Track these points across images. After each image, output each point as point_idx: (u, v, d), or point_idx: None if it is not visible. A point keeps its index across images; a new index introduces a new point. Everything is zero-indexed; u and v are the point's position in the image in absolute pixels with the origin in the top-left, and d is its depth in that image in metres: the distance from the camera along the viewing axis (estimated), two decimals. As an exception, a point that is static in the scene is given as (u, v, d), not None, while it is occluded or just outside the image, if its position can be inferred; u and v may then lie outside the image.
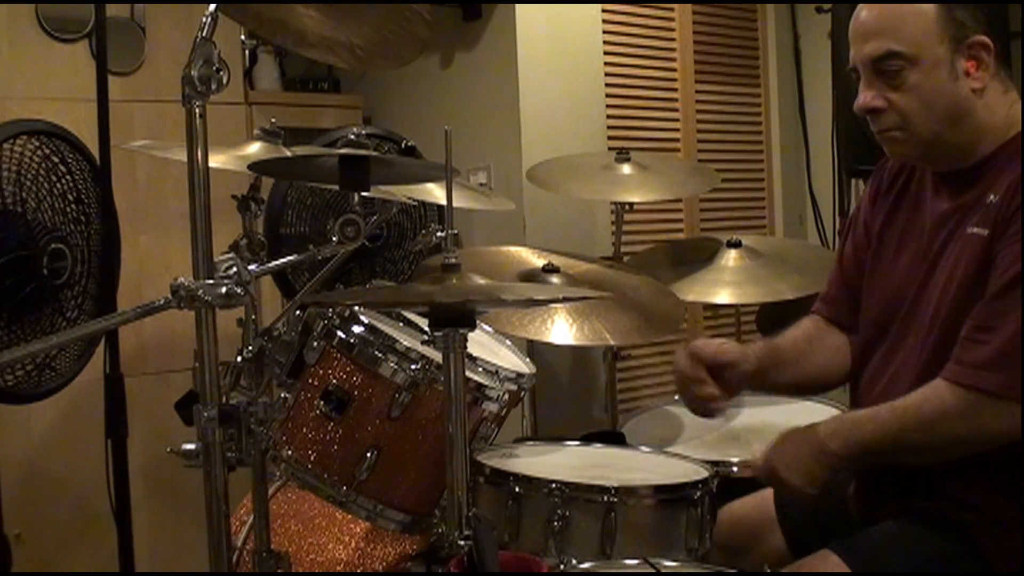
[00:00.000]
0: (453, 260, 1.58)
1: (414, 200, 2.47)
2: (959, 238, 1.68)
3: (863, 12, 1.70)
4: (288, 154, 2.15)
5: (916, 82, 1.64)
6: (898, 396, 1.71)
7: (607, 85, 3.43)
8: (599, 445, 2.32)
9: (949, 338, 1.64)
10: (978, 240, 1.62)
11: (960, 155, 1.70)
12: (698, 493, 1.93)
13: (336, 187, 2.04)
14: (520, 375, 2.13)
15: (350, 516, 2.11)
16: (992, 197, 1.63)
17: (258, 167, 1.95)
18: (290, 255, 1.97)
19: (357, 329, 1.95)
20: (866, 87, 1.69)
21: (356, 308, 1.97)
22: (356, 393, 1.93)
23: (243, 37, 3.24)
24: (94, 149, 2.25)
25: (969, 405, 1.57)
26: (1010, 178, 1.62)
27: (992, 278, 1.59)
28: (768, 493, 2.00)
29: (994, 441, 1.58)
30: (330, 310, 1.96)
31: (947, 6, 1.64)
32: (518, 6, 3.22)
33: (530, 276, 2.50)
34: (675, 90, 3.63)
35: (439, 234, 2.17)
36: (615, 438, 2.50)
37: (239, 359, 1.77)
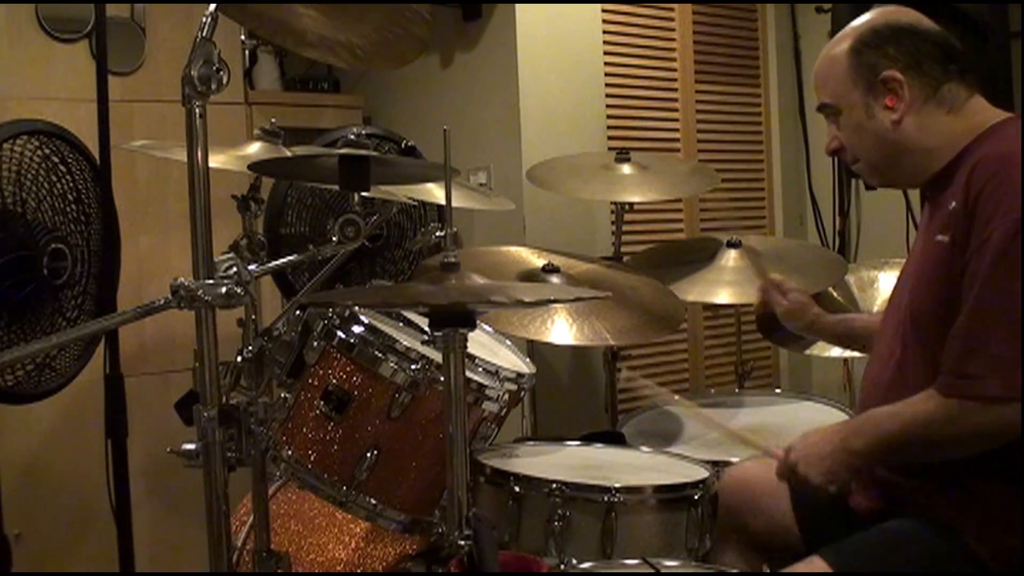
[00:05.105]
0: (452, 259, 1.58)
1: (414, 200, 2.47)
2: (928, 244, 1.76)
3: (814, 67, 1.90)
4: (288, 154, 2.15)
5: (845, 123, 1.83)
6: (876, 385, 1.78)
7: (607, 85, 3.43)
8: (599, 445, 2.32)
9: (915, 339, 1.72)
10: (940, 247, 1.69)
11: (913, 175, 1.82)
12: (698, 493, 1.93)
13: (336, 187, 2.03)
14: (520, 375, 2.13)
15: (350, 516, 2.11)
16: (953, 204, 1.68)
17: (258, 167, 1.95)
18: (290, 255, 1.97)
19: (357, 329, 1.95)
20: (828, 130, 1.88)
21: (356, 308, 1.97)
22: (356, 393, 1.93)
23: (243, 37, 3.24)
24: (94, 149, 2.25)
25: (984, 410, 1.58)
26: (962, 183, 1.66)
27: (969, 288, 1.62)
28: None
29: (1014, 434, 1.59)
30: (330, 310, 1.96)
31: (856, 52, 1.79)
32: (518, 6, 3.21)
33: (530, 276, 2.50)
34: (675, 90, 3.63)
35: (439, 233, 2.17)
36: (615, 438, 2.50)
37: (239, 359, 1.77)
